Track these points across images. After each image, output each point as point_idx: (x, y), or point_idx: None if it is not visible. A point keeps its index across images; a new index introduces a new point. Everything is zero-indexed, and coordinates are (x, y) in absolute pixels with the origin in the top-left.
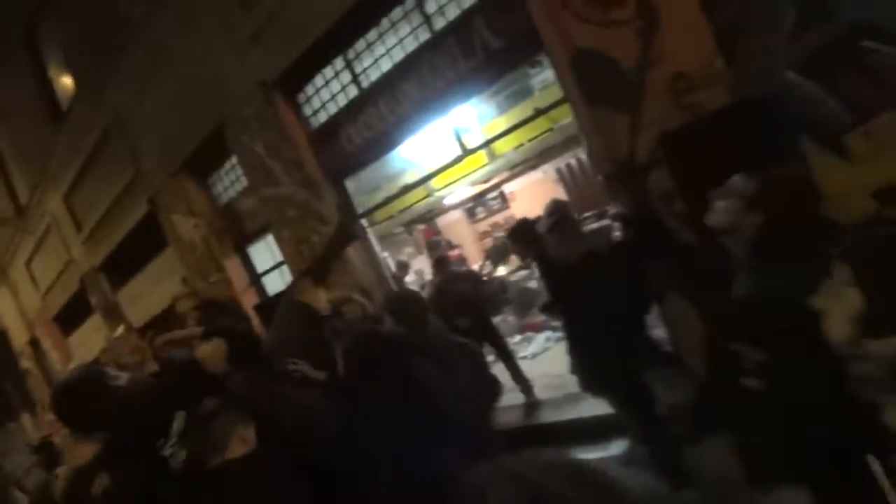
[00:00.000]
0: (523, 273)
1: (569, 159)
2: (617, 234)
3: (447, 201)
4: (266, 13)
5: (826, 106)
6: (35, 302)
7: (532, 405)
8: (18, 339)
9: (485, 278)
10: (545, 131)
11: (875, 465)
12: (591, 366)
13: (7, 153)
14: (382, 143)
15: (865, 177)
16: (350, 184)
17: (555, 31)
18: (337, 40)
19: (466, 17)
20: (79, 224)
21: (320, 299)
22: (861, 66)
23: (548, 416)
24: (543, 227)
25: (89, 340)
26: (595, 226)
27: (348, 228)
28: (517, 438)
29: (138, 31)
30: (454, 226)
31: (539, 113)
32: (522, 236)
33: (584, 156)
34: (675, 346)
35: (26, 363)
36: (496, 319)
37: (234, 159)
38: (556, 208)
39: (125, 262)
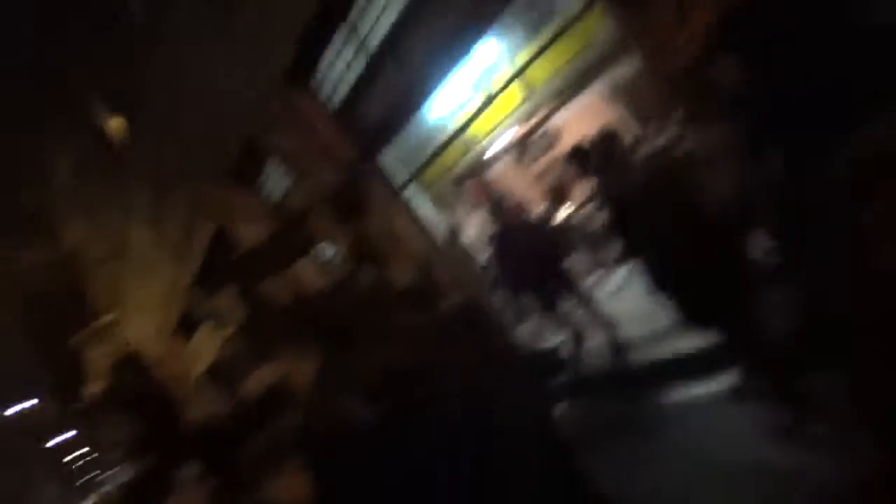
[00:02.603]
0: (587, 210)
1: (621, 70)
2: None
3: (490, 151)
4: (254, 11)
5: None
6: (153, 322)
7: (619, 346)
8: (148, 353)
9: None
10: (582, 48)
11: None
12: (688, 301)
13: (91, 202)
14: (403, 110)
15: None
16: (391, 153)
17: None
18: (334, 11)
19: None
20: (166, 249)
21: None
22: None
23: (640, 355)
24: (593, 166)
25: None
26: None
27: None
28: (606, 383)
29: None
30: (506, 175)
31: (568, 25)
32: (580, 162)
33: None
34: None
35: (161, 371)
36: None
37: (272, 160)
38: (600, 141)
39: (210, 274)
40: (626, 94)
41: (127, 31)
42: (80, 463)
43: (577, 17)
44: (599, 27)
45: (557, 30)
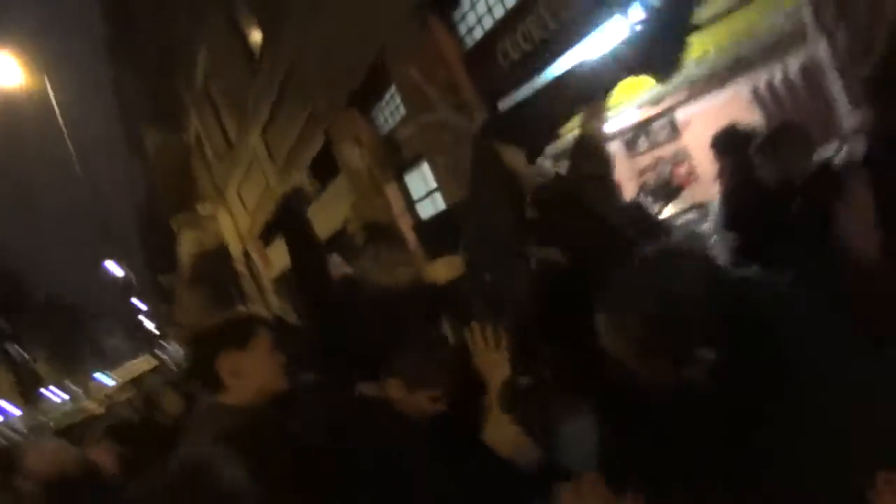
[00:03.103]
0: (693, 216)
1: (771, 72)
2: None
3: (604, 129)
4: None
5: None
6: (245, 222)
7: None
8: (235, 250)
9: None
10: (739, 37)
11: None
12: None
13: (218, 98)
14: (541, 55)
15: None
16: (504, 106)
17: None
18: None
19: None
20: (273, 156)
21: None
22: None
23: None
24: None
25: (285, 253)
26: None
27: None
28: None
29: None
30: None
31: (734, 6)
32: (732, 142)
33: (794, 67)
34: None
35: (241, 268)
36: None
37: (393, 89)
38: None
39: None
40: (771, 102)
41: None
42: (150, 326)
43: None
44: (766, 17)
45: (719, 10)
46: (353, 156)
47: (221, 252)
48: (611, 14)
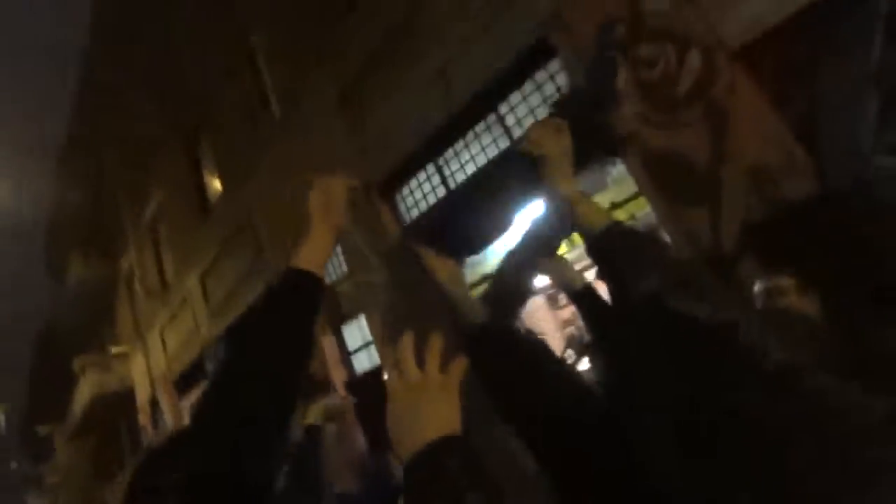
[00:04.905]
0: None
1: None
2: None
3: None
4: (370, 135)
5: None
6: (161, 366)
7: None
8: (141, 397)
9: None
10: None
11: None
12: None
13: (163, 237)
14: (468, 241)
15: None
16: None
17: (629, 134)
18: (429, 151)
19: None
20: (208, 300)
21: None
22: None
23: None
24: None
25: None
26: None
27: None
28: None
29: (270, 147)
30: (535, 313)
31: (614, 206)
32: None
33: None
34: None
35: (143, 420)
36: None
37: (337, 249)
38: None
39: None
40: None
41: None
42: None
43: (623, 201)
44: (640, 210)
45: (605, 206)
46: None
47: (123, 397)
48: (513, 212)
